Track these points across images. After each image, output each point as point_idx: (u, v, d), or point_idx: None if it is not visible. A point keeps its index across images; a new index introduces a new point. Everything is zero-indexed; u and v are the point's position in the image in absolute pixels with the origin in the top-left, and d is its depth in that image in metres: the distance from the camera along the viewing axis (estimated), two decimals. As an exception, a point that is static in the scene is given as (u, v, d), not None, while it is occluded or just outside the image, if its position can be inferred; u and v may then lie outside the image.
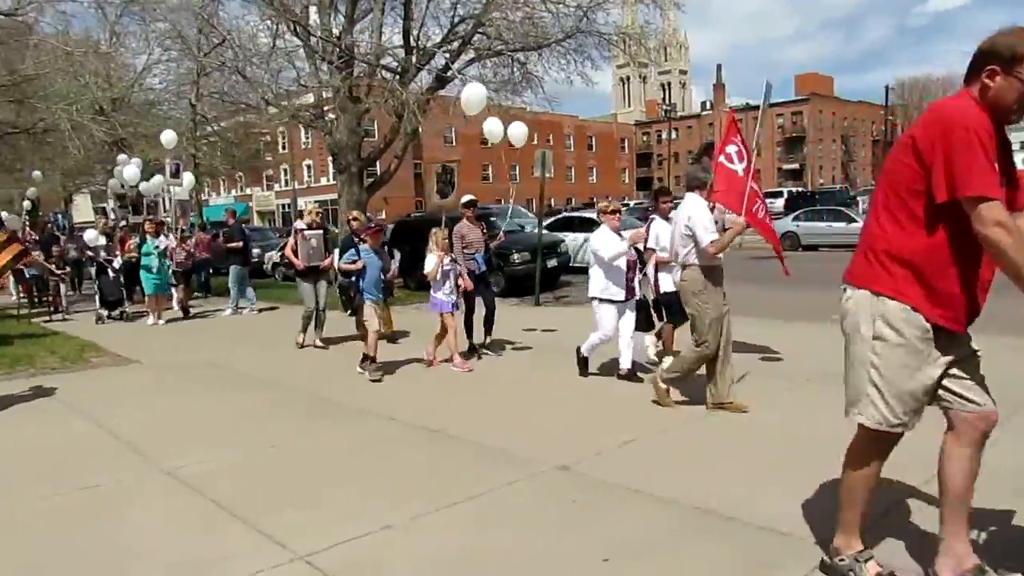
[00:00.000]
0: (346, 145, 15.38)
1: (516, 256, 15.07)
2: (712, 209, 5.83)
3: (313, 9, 15.09)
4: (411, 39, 14.76)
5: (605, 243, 6.56)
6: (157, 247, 12.07)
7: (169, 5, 20.60)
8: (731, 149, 5.94)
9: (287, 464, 4.77)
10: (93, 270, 13.80)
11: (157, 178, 16.46)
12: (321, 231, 9.27)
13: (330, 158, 17.07)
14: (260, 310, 13.54)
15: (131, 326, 12.35)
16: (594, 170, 78.80)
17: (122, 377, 8.01)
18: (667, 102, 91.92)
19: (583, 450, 4.76)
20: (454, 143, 59.18)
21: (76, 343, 10.03)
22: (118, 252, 13.11)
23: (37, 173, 22.98)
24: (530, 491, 4.12)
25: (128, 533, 3.71)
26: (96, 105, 22.88)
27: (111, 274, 12.94)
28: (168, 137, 15.09)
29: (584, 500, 3.96)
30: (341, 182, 15.75)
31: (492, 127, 9.96)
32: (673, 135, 73.84)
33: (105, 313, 12.79)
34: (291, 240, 9.37)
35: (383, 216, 48.20)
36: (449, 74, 14.98)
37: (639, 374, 6.72)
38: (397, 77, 14.60)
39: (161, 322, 12.14)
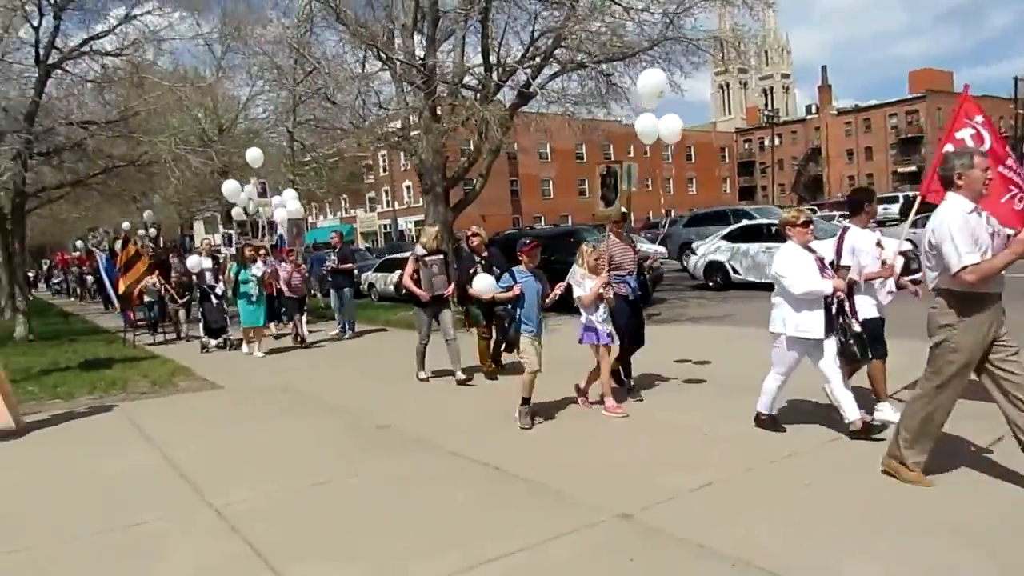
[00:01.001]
0: (431, 165, 15.38)
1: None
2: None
3: (396, 32, 15.24)
4: (490, 56, 14.59)
5: (795, 270, 5.08)
6: (254, 275, 11.26)
7: (267, 38, 21.49)
8: (964, 133, 4.89)
9: (332, 502, 4.55)
10: (197, 296, 13.05)
11: (274, 199, 15.60)
12: (442, 256, 8.25)
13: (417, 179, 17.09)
14: (359, 333, 13.37)
15: (236, 354, 11.71)
16: (694, 181, 76.88)
17: (201, 403, 8.11)
18: (769, 107, 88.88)
19: (652, 494, 4.30)
20: (549, 159, 59.18)
21: (169, 367, 10.31)
22: (220, 278, 12.61)
23: (148, 213, 24.37)
24: (583, 545, 3.71)
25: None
26: (204, 136, 24.17)
27: (214, 300, 12.43)
28: (254, 155, 14.27)
29: (642, 558, 3.51)
30: (427, 202, 15.76)
31: (644, 126, 7.74)
32: (776, 141, 71.24)
33: (212, 342, 12.25)
34: (409, 267, 8.21)
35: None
36: (531, 89, 14.74)
37: (876, 422, 5.21)
38: (478, 95, 14.47)
39: (259, 353, 11.26)
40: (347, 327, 13.17)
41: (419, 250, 8.23)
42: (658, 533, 3.80)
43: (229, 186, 14.81)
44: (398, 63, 14.69)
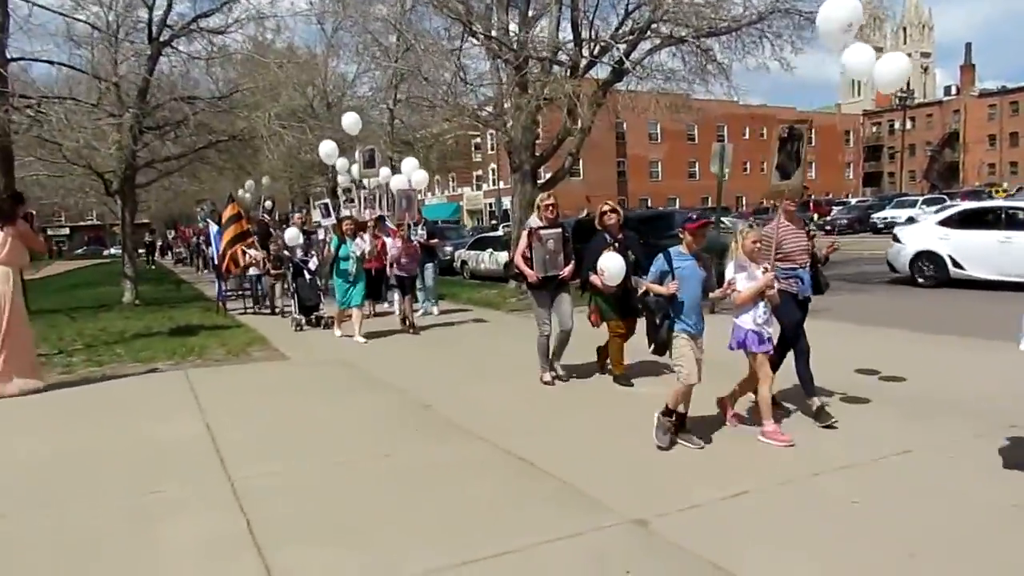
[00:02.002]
0: (520, 143, 15.15)
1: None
2: None
3: (492, 6, 15.03)
4: (580, 30, 14.12)
5: None
6: (355, 251, 10.17)
7: (375, 15, 21.81)
8: None
9: (349, 484, 4.47)
10: (289, 272, 12.19)
11: (384, 170, 14.84)
12: (559, 229, 6.76)
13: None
14: (445, 311, 13.06)
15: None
16: (813, 165, 72.87)
17: (264, 374, 8.26)
18: (904, 88, 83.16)
19: (677, 500, 3.95)
20: (659, 140, 57.73)
21: (248, 337, 10.64)
22: (312, 252, 12.09)
23: (266, 179, 25.23)
24: (582, 550, 3.41)
25: (143, 553, 3.56)
26: (311, 112, 24.91)
27: (307, 276, 11.83)
28: (350, 121, 12.95)
29: (641, 572, 3.18)
30: (515, 181, 15.55)
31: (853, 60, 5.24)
32: (908, 125, 66.51)
33: (302, 319, 11.59)
34: (521, 243, 6.95)
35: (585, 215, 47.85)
36: (625, 66, 14.18)
37: None
38: (568, 72, 14.06)
39: (359, 338, 9.94)
40: (430, 305, 12.89)
41: (533, 222, 6.86)
42: (668, 545, 3.45)
43: (327, 147, 14.05)
44: (489, 38, 14.50)
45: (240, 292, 14.82)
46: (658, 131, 57.12)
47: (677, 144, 58.29)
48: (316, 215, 14.52)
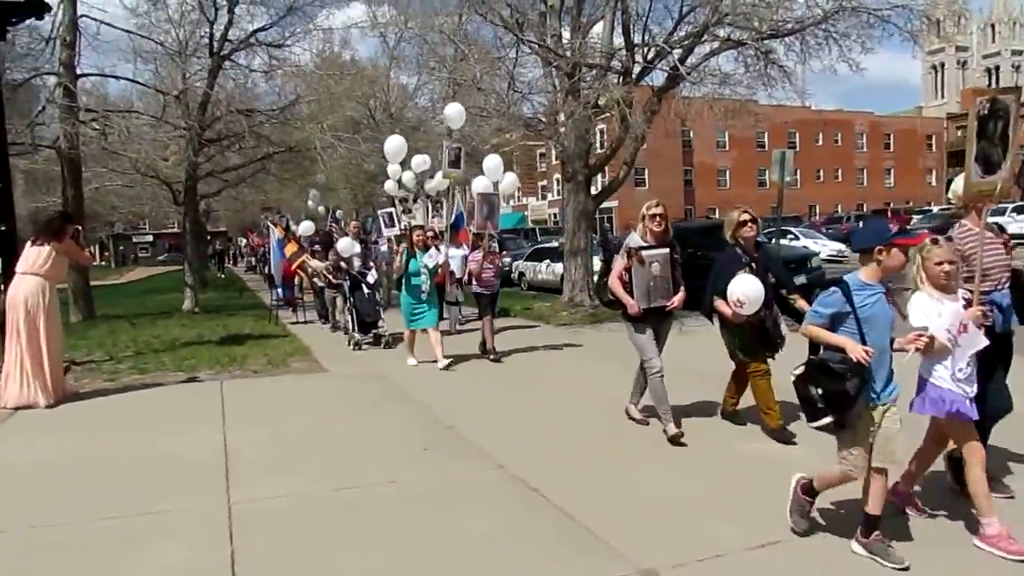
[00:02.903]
0: (573, 152, 14.85)
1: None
2: None
3: (546, 14, 14.81)
4: (632, 35, 13.73)
5: None
6: (427, 265, 8.92)
7: (434, 27, 21.92)
8: None
9: (346, 512, 4.24)
10: (346, 285, 11.30)
11: (439, 175, 13.35)
12: (667, 249, 5.41)
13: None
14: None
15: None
16: (891, 172, 69.92)
17: (298, 386, 8.16)
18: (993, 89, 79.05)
19: (698, 548, 3.58)
20: (727, 147, 56.38)
21: (292, 347, 10.63)
22: (372, 264, 11.65)
23: (315, 192, 25.56)
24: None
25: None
26: (372, 122, 25.21)
27: (366, 290, 11.04)
28: (455, 111, 10.90)
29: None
30: (568, 191, 15.25)
31: None
32: (996, 128, 63.06)
33: (360, 337, 10.61)
34: (618, 265, 5.51)
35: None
36: (681, 71, 13.70)
37: None
38: (620, 78, 13.69)
39: (442, 362, 8.60)
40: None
41: (634, 239, 5.51)
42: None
43: (394, 142, 12.56)
44: (540, 46, 14.27)
45: (294, 302, 14.93)
46: (726, 139, 55.71)
47: (745, 152, 56.78)
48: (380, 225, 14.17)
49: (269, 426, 6.22)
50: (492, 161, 10.75)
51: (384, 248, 14.46)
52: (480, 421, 6.20)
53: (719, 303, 5.32)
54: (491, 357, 9.19)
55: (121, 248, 72.27)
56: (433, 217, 13.88)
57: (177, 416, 6.66)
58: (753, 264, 5.32)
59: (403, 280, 8.99)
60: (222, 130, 15.87)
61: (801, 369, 3.52)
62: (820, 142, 63.34)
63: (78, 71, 14.02)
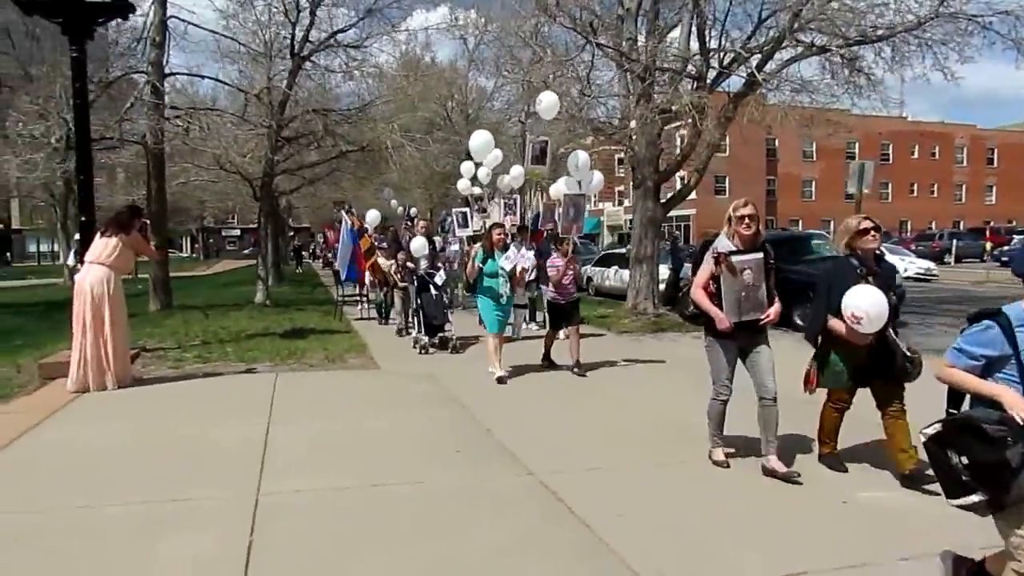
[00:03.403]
0: (643, 157, 14.63)
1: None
2: None
3: (623, 17, 14.64)
4: (707, 39, 13.39)
5: None
6: (504, 267, 8.26)
7: (512, 30, 22.04)
8: None
9: (367, 510, 4.24)
10: (413, 286, 10.99)
11: (515, 168, 13.44)
12: (761, 255, 4.74)
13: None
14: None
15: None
16: (993, 188, 65.99)
17: (348, 382, 8.28)
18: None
19: (718, 573, 3.42)
20: (813, 158, 54.55)
21: (350, 343, 10.80)
22: (441, 265, 11.31)
23: (389, 190, 26.09)
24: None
25: (128, 565, 3.49)
26: (448, 122, 25.52)
27: (433, 292, 10.62)
28: (549, 101, 9.98)
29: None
30: (636, 197, 15.03)
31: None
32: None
33: (426, 340, 10.19)
34: (703, 272, 4.85)
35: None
36: (759, 78, 13.29)
37: None
38: (694, 84, 13.38)
39: (499, 372, 8.01)
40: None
41: (721, 243, 4.82)
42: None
43: (480, 138, 11.81)
44: (613, 49, 14.11)
45: (359, 297, 15.17)
46: (813, 149, 53.94)
47: (834, 162, 54.62)
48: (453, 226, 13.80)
49: (312, 420, 6.32)
50: (579, 158, 9.76)
51: (455, 247, 14.38)
52: (518, 427, 6.11)
53: (834, 322, 4.62)
54: (576, 371, 8.41)
55: (210, 241, 75.42)
56: (506, 215, 13.36)
57: (227, 406, 6.85)
58: (871, 278, 4.63)
59: (477, 282, 8.37)
60: (299, 128, 16.32)
61: (937, 428, 2.74)
62: (916, 155, 60.50)
63: (166, 70, 14.69)
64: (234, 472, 4.85)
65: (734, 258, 4.70)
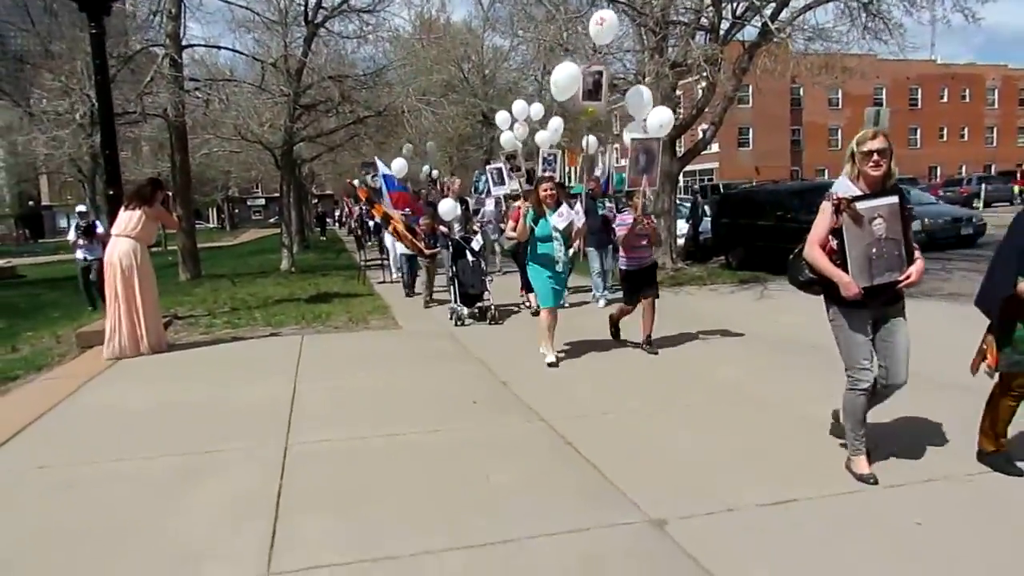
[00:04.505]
0: (657, 113, 14.58)
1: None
2: None
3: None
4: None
5: None
6: (557, 228, 6.95)
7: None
8: None
9: (385, 456, 4.54)
10: (448, 252, 10.17)
11: (555, 121, 12.15)
12: (895, 199, 3.77)
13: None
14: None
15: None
16: (1028, 132, 64.22)
17: (369, 342, 8.57)
18: None
19: (712, 502, 3.66)
20: (839, 105, 53.45)
21: (373, 305, 11.10)
22: (474, 227, 10.47)
23: (431, 144, 25.96)
24: (581, 548, 3.25)
25: (166, 508, 3.82)
26: (466, 84, 25.47)
27: (470, 258, 9.84)
28: (611, 20, 8.46)
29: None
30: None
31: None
32: None
33: (464, 311, 9.47)
34: (820, 225, 3.89)
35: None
36: (775, 25, 13.14)
37: None
38: (707, 36, 13.29)
39: (550, 356, 6.93)
40: (603, 294, 10.56)
41: (842, 186, 3.86)
42: (672, 551, 3.20)
43: (565, 71, 8.34)
44: (625, 3, 14.01)
45: (382, 262, 15.46)
46: (839, 96, 52.82)
47: (860, 109, 53.35)
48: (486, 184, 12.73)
49: (336, 378, 6.63)
50: (643, 94, 8.07)
51: (491, 208, 13.65)
52: (534, 378, 6.38)
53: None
54: (646, 348, 7.32)
55: (236, 211, 76.26)
56: (544, 172, 12.07)
57: (256, 367, 7.19)
58: None
59: (528, 248, 7.20)
60: (317, 96, 16.49)
61: None
62: (945, 99, 58.99)
63: (183, 42, 14.90)
64: (264, 426, 5.17)
65: (859, 204, 3.74)
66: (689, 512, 3.57)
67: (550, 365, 6.85)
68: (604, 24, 8.48)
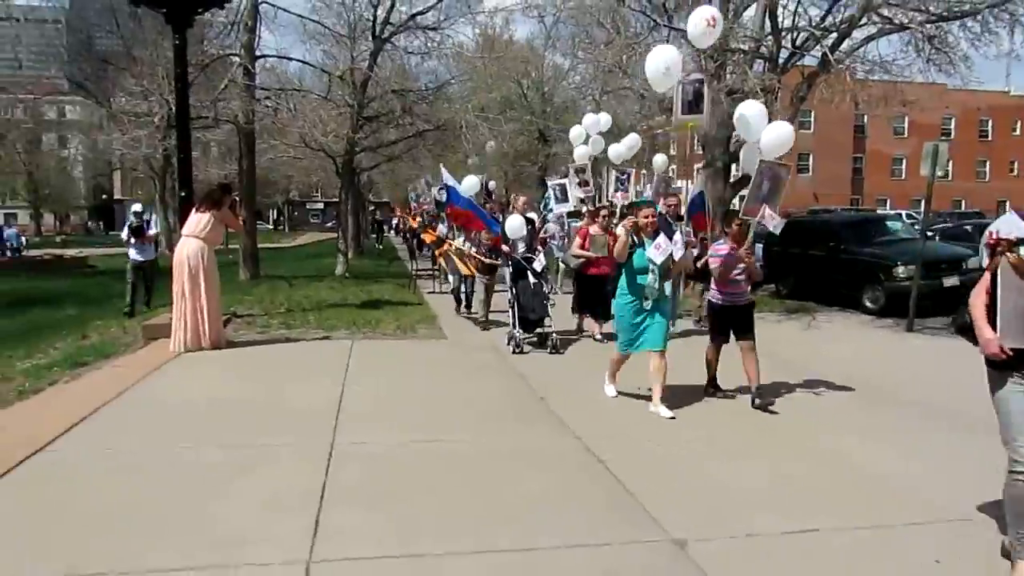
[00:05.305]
0: (713, 138, 14.66)
1: (901, 269, 12.69)
2: None
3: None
4: (777, 19, 13.30)
5: None
6: (653, 260, 6.03)
7: (583, 10, 22.14)
8: None
9: (421, 460, 4.79)
10: (508, 272, 9.53)
11: (631, 138, 12.01)
12: None
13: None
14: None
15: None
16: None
17: (417, 350, 8.84)
18: None
19: (733, 526, 3.79)
20: (905, 134, 52.20)
21: (421, 315, 11.39)
22: (537, 246, 9.79)
23: (491, 144, 26.29)
24: (599, 563, 3.43)
25: (222, 497, 4.13)
26: (525, 101, 25.84)
27: (531, 279, 9.11)
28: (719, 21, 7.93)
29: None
30: (705, 177, 15.07)
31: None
32: None
33: (521, 335, 8.69)
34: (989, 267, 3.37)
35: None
36: (835, 57, 13.10)
37: None
38: (765, 65, 13.34)
39: (663, 411, 5.92)
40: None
41: (1011, 223, 3.39)
42: (690, 570, 3.35)
43: (664, 54, 7.78)
44: (684, 29, 14.13)
45: (434, 272, 15.77)
46: (904, 124, 51.61)
47: (927, 139, 52.24)
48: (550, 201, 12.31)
49: (382, 384, 6.92)
50: (755, 110, 6.78)
51: (553, 226, 13.11)
52: (571, 396, 6.55)
53: None
54: (758, 401, 6.18)
55: (295, 213, 78.15)
56: (617, 191, 12.23)
57: (307, 368, 7.54)
58: None
59: (618, 275, 6.31)
60: (379, 108, 16.99)
61: None
62: (1018, 131, 57.13)
63: (257, 52, 15.58)
64: (312, 425, 5.47)
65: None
66: (710, 535, 3.71)
67: (612, 397, 6.48)
68: (716, 24, 7.89)
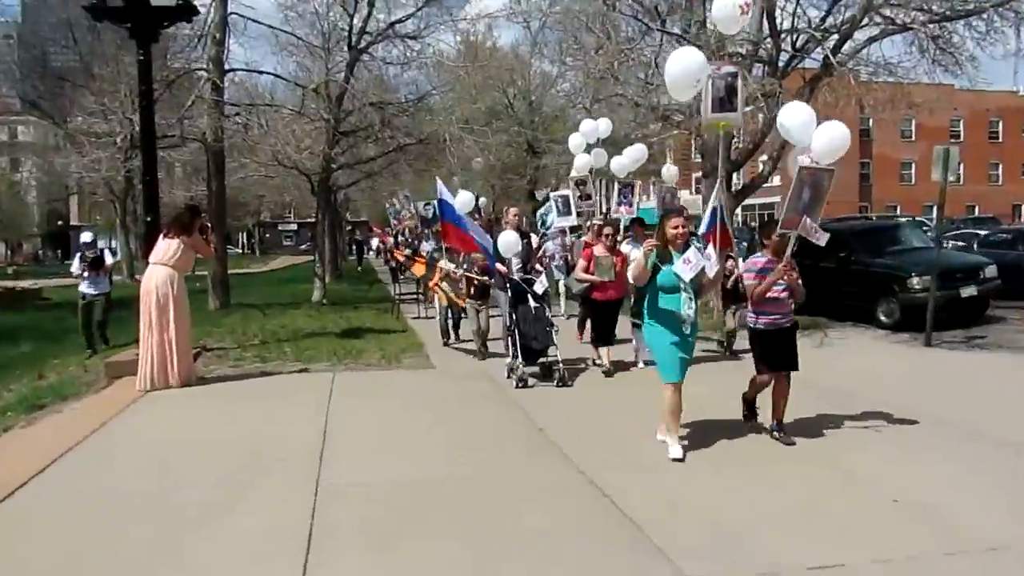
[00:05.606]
0: (713, 146, 14.77)
1: (916, 280, 12.75)
2: None
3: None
4: (776, 21, 13.49)
5: None
6: (683, 276, 5.47)
7: (575, 13, 22.37)
8: None
9: (415, 500, 4.77)
10: (505, 295, 9.05)
11: (636, 149, 12.11)
12: None
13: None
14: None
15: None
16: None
17: (404, 381, 8.82)
18: None
19: (752, 561, 3.77)
20: (912, 138, 52.82)
21: (407, 343, 11.36)
22: (537, 265, 9.30)
23: (478, 160, 26.34)
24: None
25: (197, 541, 4.07)
26: (509, 108, 26.01)
27: (532, 304, 8.63)
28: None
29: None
30: (706, 186, 15.19)
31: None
32: None
33: (520, 366, 8.29)
34: None
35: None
36: (836, 59, 13.28)
37: None
38: (765, 70, 13.51)
39: (676, 449, 5.58)
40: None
41: None
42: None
43: (687, 57, 6.93)
44: (679, 35, 14.32)
45: (418, 296, 15.76)
46: (912, 128, 52.25)
47: (936, 143, 52.95)
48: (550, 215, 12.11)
49: (368, 418, 6.91)
50: (801, 112, 5.98)
51: (552, 245, 12.69)
52: (571, 428, 6.53)
53: None
54: (777, 436, 6.02)
55: (267, 236, 78.05)
56: (620, 205, 12.10)
57: (286, 403, 7.51)
58: None
59: (647, 300, 5.78)
60: (357, 122, 17.03)
61: None
62: (1030, 132, 57.95)
63: (226, 66, 15.61)
64: (293, 464, 5.45)
65: None
66: (727, 571, 3.69)
67: (675, 460, 5.50)
68: (748, 11, 7.45)
